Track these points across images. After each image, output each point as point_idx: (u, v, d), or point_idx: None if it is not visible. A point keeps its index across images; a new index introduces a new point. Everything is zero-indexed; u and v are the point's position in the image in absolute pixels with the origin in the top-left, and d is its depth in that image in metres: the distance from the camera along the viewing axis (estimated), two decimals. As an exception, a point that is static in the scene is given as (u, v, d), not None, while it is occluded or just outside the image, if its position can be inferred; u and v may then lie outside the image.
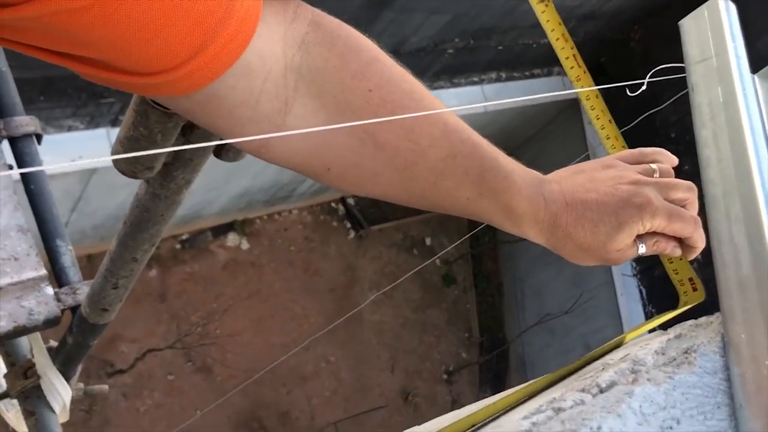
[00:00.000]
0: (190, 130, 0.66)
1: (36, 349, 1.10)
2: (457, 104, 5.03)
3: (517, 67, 5.17)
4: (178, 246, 4.97)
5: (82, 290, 0.98)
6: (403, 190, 0.55)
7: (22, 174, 1.04)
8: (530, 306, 5.85)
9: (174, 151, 0.68)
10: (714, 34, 0.52)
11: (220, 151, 0.71)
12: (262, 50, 0.47)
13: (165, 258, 4.94)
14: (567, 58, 0.76)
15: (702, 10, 0.54)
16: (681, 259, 0.61)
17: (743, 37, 0.51)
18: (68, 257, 1.02)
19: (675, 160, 0.59)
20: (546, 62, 5.22)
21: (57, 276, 1.01)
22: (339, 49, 0.50)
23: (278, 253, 5.26)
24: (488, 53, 4.92)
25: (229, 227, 5.13)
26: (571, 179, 0.59)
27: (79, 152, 3.47)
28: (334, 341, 5.19)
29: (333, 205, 5.57)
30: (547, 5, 0.75)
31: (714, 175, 0.45)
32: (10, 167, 1.01)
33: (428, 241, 6.00)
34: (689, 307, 0.61)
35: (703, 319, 0.42)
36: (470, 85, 5.16)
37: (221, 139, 0.52)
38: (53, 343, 1.12)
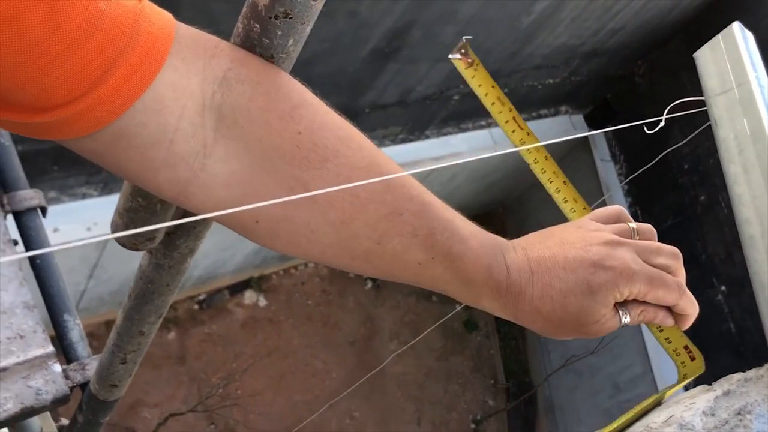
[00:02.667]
0: None
1: (46, 429, 1.06)
2: (466, 149, 5.04)
3: (524, 108, 5.19)
4: (195, 307, 4.95)
5: (91, 365, 0.95)
6: (344, 250, 0.49)
7: (27, 249, 1.02)
8: (554, 348, 5.72)
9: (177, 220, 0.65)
10: (733, 64, 0.49)
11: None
12: (175, 84, 0.43)
13: (183, 320, 4.91)
14: (507, 122, 0.72)
15: (717, 40, 0.51)
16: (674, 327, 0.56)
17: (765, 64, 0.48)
18: (76, 332, 1.00)
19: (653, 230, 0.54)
20: (552, 102, 5.24)
21: (65, 352, 0.98)
22: (265, 87, 0.46)
23: (296, 308, 5.22)
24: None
25: (245, 285, 5.11)
26: (538, 244, 0.52)
27: (93, 219, 3.50)
28: (357, 396, 5.09)
29: (348, 256, 5.54)
30: (476, 69, 0.71)
31: (749, 214, 0.41)
32: (15, 242, 0.99)
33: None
34: (690, 380, 0.55)
35: (752, 372, 0.38)
36: (478, 129, 5.18)
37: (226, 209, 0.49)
38: (64, 421, 1.08)
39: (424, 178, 4.91)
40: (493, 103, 0.70)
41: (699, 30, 4.53)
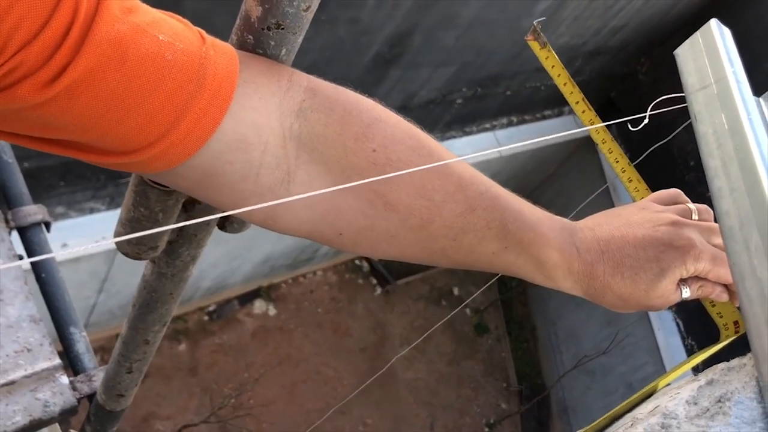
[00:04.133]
0: (191, 206, 0.65)
1: (56, 440, 1.07)
2: (471, 152, 5.05)
3: (527, 110, 5.20)
4: (205, 318, 4.96)
5: (97, 377, 0.96)
6: (423, 249, 0.52)
7: (32, 263, 1.03)
8: (566, 349, 5.70)
9: (177, 228, 0.67)
10: (711, 60, 0.50)
11: (223, 223, 0.70)
12: (257, 123, 0.46)
13: (193, 331, 4.93)
14: (577, 102, 0.74)
15: (696, 37, 0.52)
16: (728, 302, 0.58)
17: (750, 60, 0.49)
18: (82, 344, 1.01)
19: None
20: (555, 103, 5.24)
21: (72, 363, 0.99)
22: (338, 113, 0.49)
23: (306, 316, 5.23)
24: (497, 99, 4.95)
25: (255, 294, 5.12)
26: (605, 225, 0.55)
27: (101, 233, 3.52)
28: (369, 403, 5.09)
29: (357, 262, 5.55)
30: (549, 51, 0.73)
31: (728, 206, 0.42)
32: (20, 257, 1.01)
33: (456, 290, 5.93)
34: (731, 340, 0.57)
35: (735, 362, 0.39)
36: (482, 132, 5.19)
37: (222, 212, 0.51)
38: (74, 433, 1.10)
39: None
40: (565, 84, 0.73)
41: (700, 26, 4.51)
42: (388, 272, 5.53)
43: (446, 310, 5.71)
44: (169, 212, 0.62)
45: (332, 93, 0.50)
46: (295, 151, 0.48)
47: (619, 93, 5.33)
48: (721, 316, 0.60)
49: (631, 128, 0.57)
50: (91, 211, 3.52)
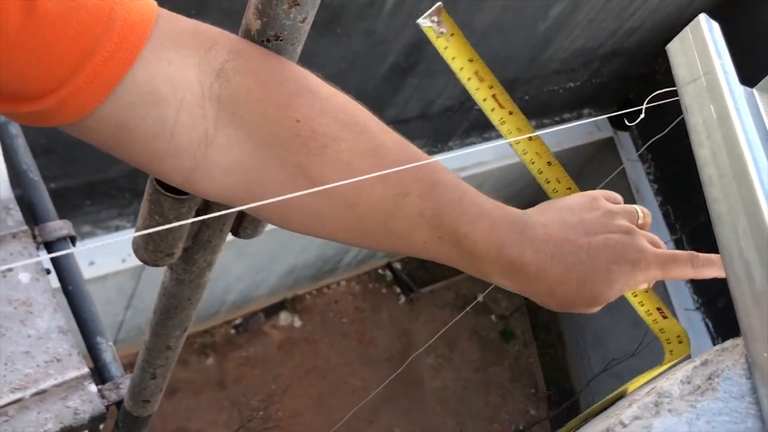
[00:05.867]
0: (204, 213, 0.67)
1: (87, 448, 1.11)
2: (491, 158, 5.05)
3: (546, 113, 5.19)
4: (232, 331, 5.01)
5: (124, 384, 0.99)
6: (351, 231, 0.50)
7: (60, 277, 1.07)
8: (594, 353, 5.65)
9: (192, 235, 0.69)
10: (700, 53, 0.51)
11: (237, 230, 0.72)
12: (172, 77, 0.44)
13: (220, 344, 4.98)
14: (485, 99, 0.64)
15: (686, 32, 0.54)
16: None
17: (747, 53, 0.50)
18: (109, 353, 1.04)
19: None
20: (575, 105, 5.23)
21: (100, 372, 1.02)
22: (262, 77, 0.47)
23: (331, 326, 5.25)
24: (515, 104, 4.95)
25: (280, 306, 5.16)
26: (559, 223, 0.53)
27: (127, 251, 3.56)
28: (397, 411, 5.09)
29: (380, 271, 5.57)
30: (449, 40, 0.62)
31: (717, 193, 0.44)
32: (48, 271, 1.04)
33: (480, 297, 5.91)
34: (677, 362, 0.56)
35: (729, 342, 0.40)
36: (501, 137, 5.18)
37: (228, 208, 0.51)
38: (103, 441, 1.13)
39: (450, 189, 4.91)
40: (469, 79, 0.62)
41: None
42: (411, 280, 5.54)
43: (471, 317, 5.70)
44: (182, 219, 0.65)
45: (260, 57, 0.48)
46: (215, 112, 0.46)
47: (638, 94, 5.30)
48: (642, 304, 0.60)
49: (627, 123, 0.59)
50: (117, 228, 3.58)
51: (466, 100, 4.59)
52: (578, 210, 0.54)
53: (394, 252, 0.53)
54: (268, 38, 0.50)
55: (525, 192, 5.80)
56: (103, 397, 0.98)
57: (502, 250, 0.50)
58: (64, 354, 0.99)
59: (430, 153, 4.47)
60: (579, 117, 5.33)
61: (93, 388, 0.98)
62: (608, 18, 4.46)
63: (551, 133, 5.19)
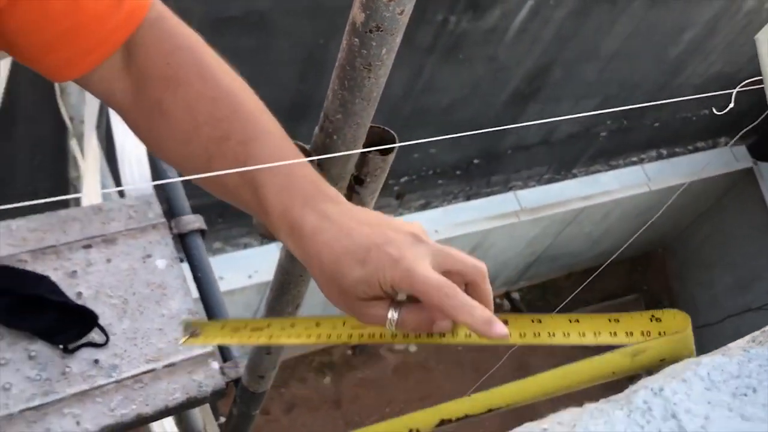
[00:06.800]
0: (359, 185, 0.72)
1: (209, 424, 1.19)
2: (617, 187, 4.88)
3: (678, 142, 4.96)
4: (349, 352, 5.12)
5: (242, 364, 1.07)
6: (186, 165, 0.59)
7: (191, 266, 1.18)
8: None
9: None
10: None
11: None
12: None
13: (338, 365, 5.10)
14: None
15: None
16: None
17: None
18: (231, 335, 1.13)
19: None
20: (710, 134, 4.95)
21: (221, 352, 1.11)
22: (156, 34, 0.59)
23: (446, 354, 5.23)
24: (645, 132, 4.78)
25: (396, 330, 5.21)
26: (353, 206, 0.54)
27: (254, 267, 3.76)
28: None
29: (498, 300, 5.49)
30: (209, 335, 0.61)
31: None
32: (181, 260, 1.15)
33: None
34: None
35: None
36: (629, 165, 5.00)
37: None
38: (222, 420, 1.21)
39: (574, 217, 4.79)
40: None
41: None
42: (528, 310, 5.42)
43: (593, 353, 5.46)
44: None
45: (173, 24, 0.60)
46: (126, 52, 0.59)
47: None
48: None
49: (716, 112, 0.58)
50: (245, 246, 3.79)
51: (592, 126, 4.49)
52: (389, 221, 0.53)
53: (219, 194, 0.59)
54: (370, 29, 0.56)
55: (655, 224, 5.52)
56: (223, 374, 1.06)
57: (287, 210, 0.53)
58: (191, 333, 1.08)
59: (553, 181, 4.40)
60: (715, 146, 5.05)
61: (216, 365, 1.06)
62: (749, 42, 4.23)
63: (684, 162, 4.95)
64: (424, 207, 4.70)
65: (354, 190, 0.74)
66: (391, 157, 0.72)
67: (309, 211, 0.52)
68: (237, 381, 1.07)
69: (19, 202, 0.47)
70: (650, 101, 4.48)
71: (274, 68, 2.91)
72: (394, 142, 0.71)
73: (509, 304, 5.50)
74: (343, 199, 0.56)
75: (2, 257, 1.05)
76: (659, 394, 0.34)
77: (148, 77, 0.58)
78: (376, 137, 0.72)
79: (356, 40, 0.57)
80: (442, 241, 4.36)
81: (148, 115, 0.59)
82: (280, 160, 0.54)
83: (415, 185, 4.37)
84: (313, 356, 4.93)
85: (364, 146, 0.71)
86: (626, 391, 0.36)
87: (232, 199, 0.59)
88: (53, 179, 2.46)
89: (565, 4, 3.46)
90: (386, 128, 0.72)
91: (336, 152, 0.67)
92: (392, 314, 0.50)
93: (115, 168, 1.39)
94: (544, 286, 5.67)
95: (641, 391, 0.35)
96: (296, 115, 3.07)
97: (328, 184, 0.57)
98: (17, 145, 2.48)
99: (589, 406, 0.35)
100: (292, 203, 0.53)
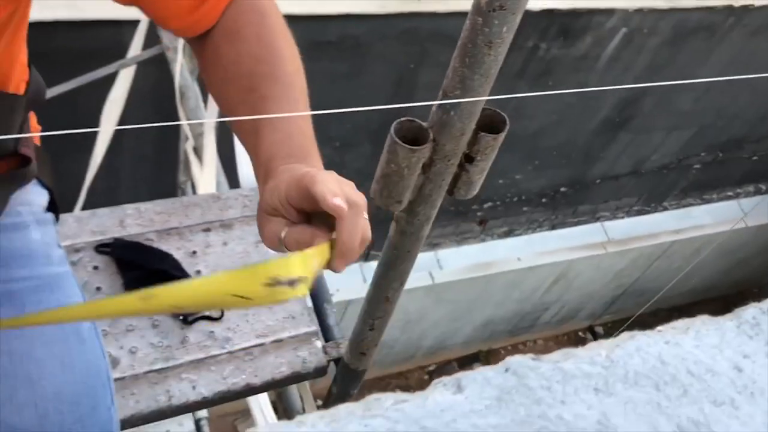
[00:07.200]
0: (429, 168, 0.78)
1: (307, 403, 1.25)
2: (710, 221, 4.72)
3: (779, 176, 4.76)
4: (425, 377, 5.12)
5: (343, 344, 1.13)
6: (222, 101, 0.70)
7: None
8: None
9: (416, 189, 0.81)
10: None
11: (452, 189, 0.82)
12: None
13: (414, 389, 5.09)
14: None
15: None
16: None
17: None
18: (333, 318, 1.19)
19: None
20: (813, 170, 4.73)
21: (324, 333, 1.17)
22: (243, 7, 0.71)
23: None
24: (742, 165, 4.61)
25: (474, 358, 5.17)
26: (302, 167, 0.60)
27: (337, 285, 3.85)
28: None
29: (581, 334, 5.37)
30: None
31: None
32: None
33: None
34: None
35: None
36: (724, 200, 4.84)
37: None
38: (319, 402, 1.27)
39: (663, 251, 4.65)
40: None
41: None
42: (614, 346, 5.26)
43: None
44: (412, 168, 0.76)
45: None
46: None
47: None
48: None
49: None
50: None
51: (684, 158, 4.38)
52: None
53: (241, 135, 0.68)
54: (494, 8, 0.62)
55: (754, 262, 5.28)
56: (325, 353, 1.12)
57: (270, 159, 0.61)
58: (298, 313, 1.15)
59: (642, 213, 4.28)
60: (820, 182, 4.81)
61: (319, 344, 1.13)
62: None
63: (784, 197, 4.73)
64: (507, 234, 4.69)
65: (464, 168, 0.79)
66: (501, 136, 0.77)
67: (285, 166, 0.60)
68: (337, 361, 1.12)
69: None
70: (749, 133, 4.34)
71: (366, 91, 3.02)
72: (505, 124, 0.77)
73: (592, 337, 5.36)
74: (315, 164, 0.63)
75: (133, 235, 1.16)
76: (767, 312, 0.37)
77: (216, 26, 0.71)
78: (486, 119, 0.77)
79: (479, 19, 0.63)
80: (525, 269, 4.32)
81: (206, 53, 0.72)
82: (289, 120, 0.64)
83: (499, 212, 4.38)
84: (389, 379, 4.95)
85: (476, 128, 0.77)
86: (736, 310, 0.39)
87: (245, 142, 0.68)
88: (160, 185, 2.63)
89: (659, 32, 3.43)
90: (497, 110, 0.77)
91: (453, 128, 0.73)
92: (284, 233, 0.57)
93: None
94: (629, 322, 5.51)
95: (750, 309, 0.38)
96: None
97: (319, 158, 0.64)
98: (141, 148, 2.68)
99: (702, 317, 0.38)
100: (277, 155, 0.62)
